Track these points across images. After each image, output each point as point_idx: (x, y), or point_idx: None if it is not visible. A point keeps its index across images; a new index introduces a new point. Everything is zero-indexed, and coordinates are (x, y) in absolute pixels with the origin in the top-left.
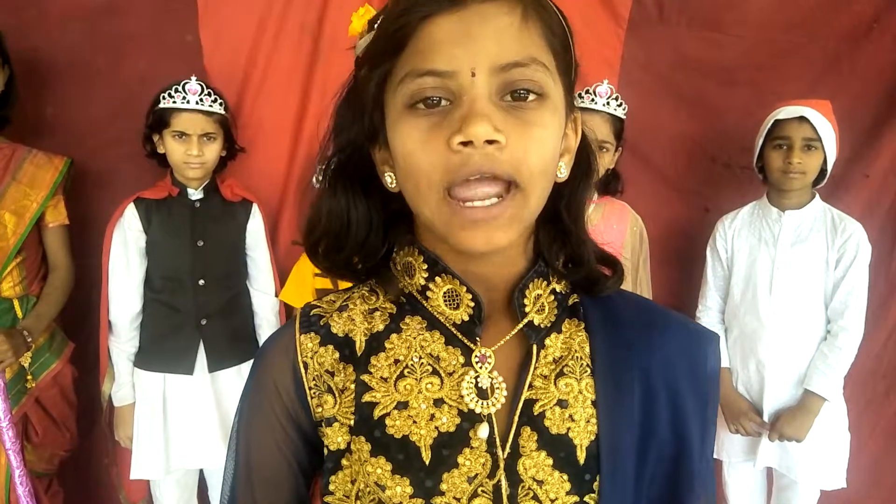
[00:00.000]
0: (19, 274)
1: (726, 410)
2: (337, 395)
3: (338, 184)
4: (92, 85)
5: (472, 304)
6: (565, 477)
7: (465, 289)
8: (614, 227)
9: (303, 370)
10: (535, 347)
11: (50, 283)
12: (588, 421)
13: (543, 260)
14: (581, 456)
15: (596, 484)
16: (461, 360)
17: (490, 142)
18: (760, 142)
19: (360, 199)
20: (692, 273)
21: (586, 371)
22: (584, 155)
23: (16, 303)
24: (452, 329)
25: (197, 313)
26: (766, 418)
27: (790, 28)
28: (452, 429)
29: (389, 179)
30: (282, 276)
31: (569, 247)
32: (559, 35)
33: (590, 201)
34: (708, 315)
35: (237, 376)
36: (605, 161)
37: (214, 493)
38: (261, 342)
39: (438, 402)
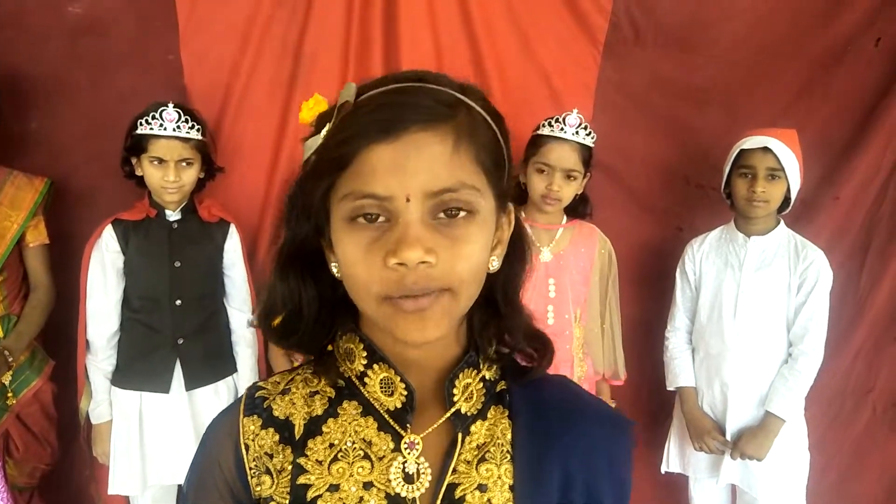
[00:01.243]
0: (0, 294)
1: (691, 428)
2: (275, 475)
3: (290, 270)
4: (73, 102)
5: (405, 393)
6: None
7: (399, 378)
8: (582, 250)
9: (244, 451)
10: (460, 435)
11: (30, 302)
12: None
13: (476, 348)
14: None
15: None
16: (391, 445)
17: (422, 262)
18: (727, 169)
19: (311, 285)
20: (665, 291)
21: (506, 457)
22: (519, 243)
23: None
24: (385, 416)
25: (174, 333)
26: (728, 437)
27: (763, 51)
28: None
29: (335, 269)
30: (259, 293)
31: (502, 330)
32: (490, 151)
33: (525, 284)
34: (676, 336)
35: (214, 394)
36: (574, 187)
37: None
38: (238, 359)
39: (368, 486)
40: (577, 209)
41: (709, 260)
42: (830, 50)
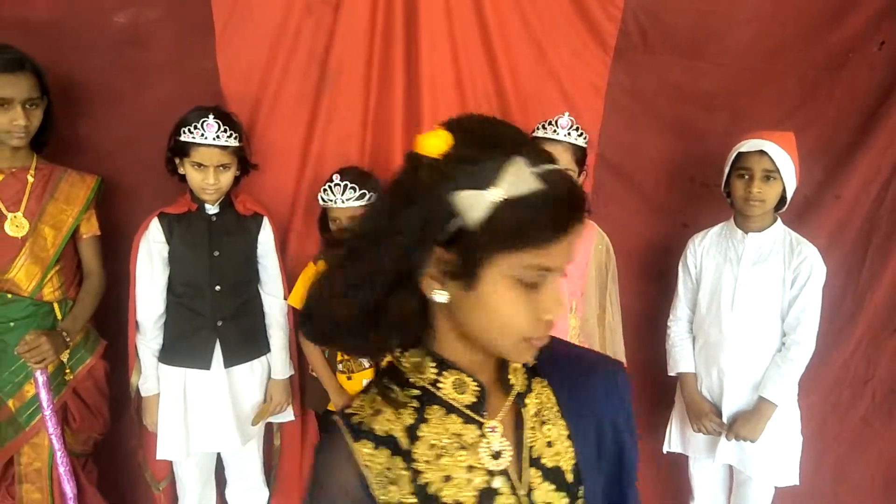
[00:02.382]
0: (58, 280)
1: (690, 411)
2: (397, 483)
3: (369, 287)
4: (118, 108)
5: (478, 389)
6: (563, 494)
7: (471, 379)
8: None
9: (366, 472)
10: (522, 410)
11: (84, 288)
12: (567, 451)
13: None
14: (569, 477)
15: (580, 492)
16: (476, 433)
17: None
18: (727, 170)
19: (380, 304)
20: (669, 284)
21: (557, 415)
22: None
23: (56, 306)
24: (465, 410)
25: (213, 316)
26: (724, 420)
27: (769, 57)
28: (484, 486)
29: (439, 296)
30: (290, 281)
31: None
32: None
33: None
34: (678, 325)
35: (249, 371)
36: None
37: (231, 473)
38: (271, 341)
39: (470, 469)
40: None
41: (709, 254)
42: (834, 54)
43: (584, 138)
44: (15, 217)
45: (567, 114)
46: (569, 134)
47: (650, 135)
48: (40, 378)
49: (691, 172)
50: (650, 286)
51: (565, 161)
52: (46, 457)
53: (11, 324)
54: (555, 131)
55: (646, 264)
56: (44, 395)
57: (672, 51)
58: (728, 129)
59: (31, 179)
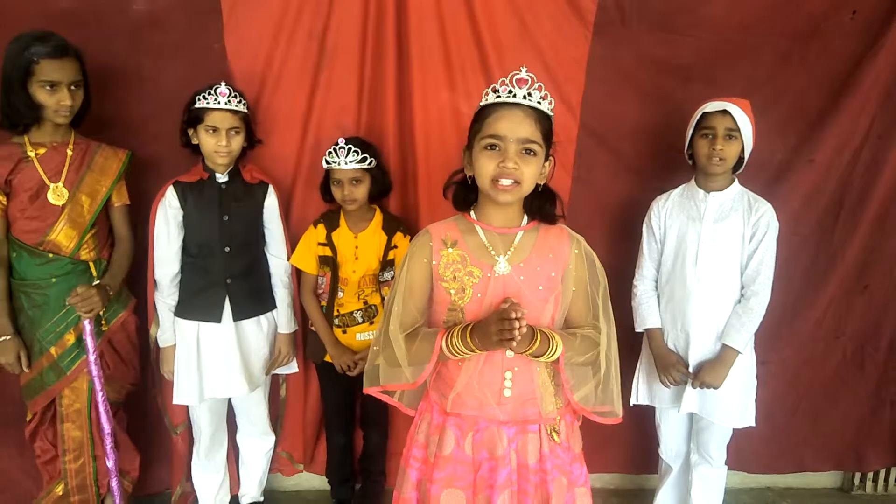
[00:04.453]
0: (93, 242)
1: (658, 363)
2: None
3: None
4: (140, 87)
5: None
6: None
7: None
8: (549, 256)
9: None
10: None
11: (117, 250)
12: None
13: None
14: None
15: None
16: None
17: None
18: (690, 132)
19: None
20: None
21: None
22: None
23: (91, 265)
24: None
25: (224, 274)
26: (690, 370)
27: (742, 28)
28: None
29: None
30: (293, 243)
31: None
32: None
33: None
34: (643, 283)
35: (256, 325)
36: (532, 170)
37: (241, 419)
38: (276, 298)
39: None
40: (543, 210)
41: (672, 215)
42: (807, 24)
43: (550, 104)
44: (56, 187)
45: (524, 69)
46: (529, 95)
47: (630, 105)
48: (87, 326)
49: (670, 140)
50: (632, 245)
51: (525, 131)
52: (86, 399)
53: (53, 279)
54: (510, 92)
55: (627, 225)
56: (90, 342)
57: (649, 25)
58: (704, 98)
59: (70, 153)
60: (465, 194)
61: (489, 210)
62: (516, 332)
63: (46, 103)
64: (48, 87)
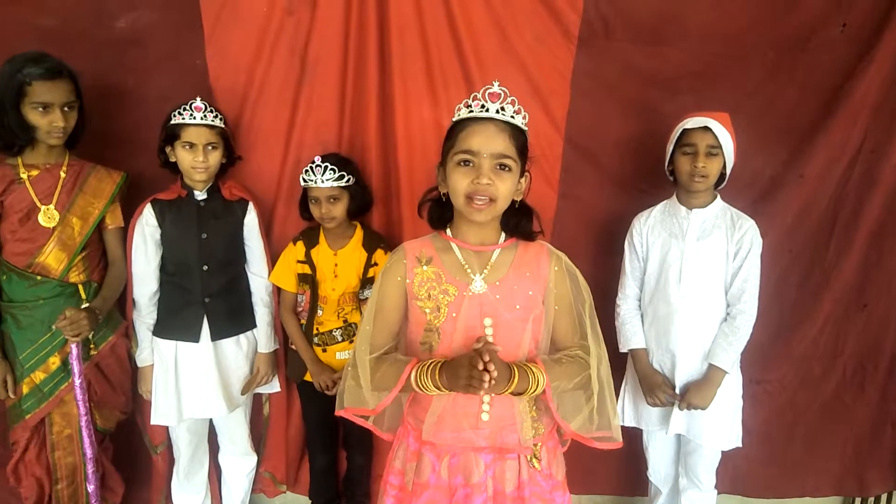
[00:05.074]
0: (83, 265)
1: (644, 384)
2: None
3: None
4: (123, 103)
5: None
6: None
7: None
8: (527, 274)
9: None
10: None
11: (110, 273)
12: None
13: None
14: None
15: None
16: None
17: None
18: (671, 148)
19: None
20: None
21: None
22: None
23: (80, 287)
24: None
25: (202, 293)
26: (677, 391)
27: (730, 40)
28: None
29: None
30: (275, 261)
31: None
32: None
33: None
34: (627, 303)
35: (236, 344)
36: (507, 186)
37: (223, 439)
38: (256, 317)
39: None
40: (521, 226)
41: (654, 232)
42: (796, 36)
43: (524, 119)
44: (48, 209)
45: (497, 83)
46: (502, 110)
47: (616, 118)
48: (74, 350)
49: (658, 154)
50: (617, 263)
51: (499, 146)
52: (76, 424)
53: (41, 301)
54: (483, 107)
55: (613, 241)
56: (76, 366)
57: (634, 38)
58: (692, 111)
59: (63, 175)
60: (441, 212)
61: (465, 228)
62: (485, 383)
63: (39, 125)
64: (40, 109)
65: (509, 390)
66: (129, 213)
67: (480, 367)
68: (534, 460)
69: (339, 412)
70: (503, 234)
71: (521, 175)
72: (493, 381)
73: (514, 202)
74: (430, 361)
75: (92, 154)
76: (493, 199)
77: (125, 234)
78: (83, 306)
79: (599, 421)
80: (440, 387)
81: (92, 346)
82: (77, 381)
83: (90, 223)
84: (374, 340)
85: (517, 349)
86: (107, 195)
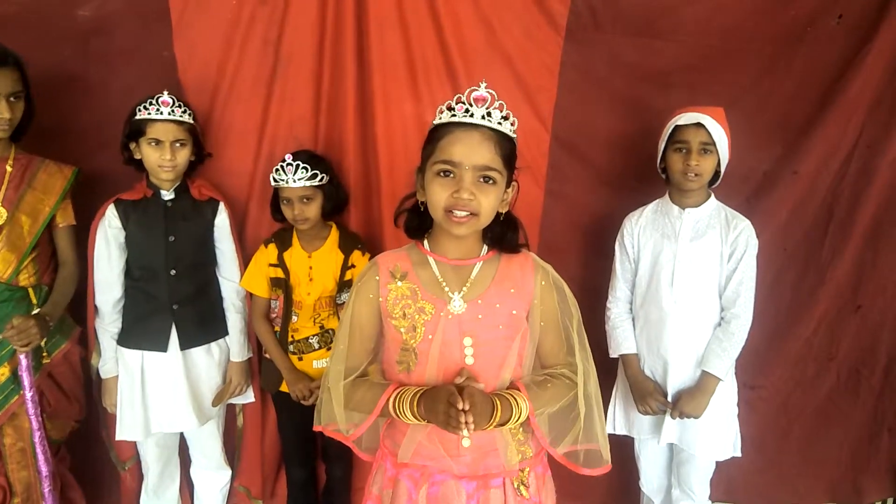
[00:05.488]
0: (33, 267)
1: (635, 392)
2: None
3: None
4: (86, 97)
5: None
6: None
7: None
8: (511, 290)
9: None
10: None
11: (60, 275)
12: None
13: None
14: None
15: None
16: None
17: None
18: (662, 145)
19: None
20: None
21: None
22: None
23: (30, 291)
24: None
25: (169, 299)
26: (669, 398)
27: (725, 33)
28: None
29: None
30: (248, 265)
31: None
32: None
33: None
34: (617, 306)
35: (206, 353)
36: (491, 200)
37: (194, 452)
38: (228, 324)
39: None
40: (505, 238)
41: (646, 232)
42: (792, 28)
43: (512, 126)
44: None
45: (483, 85)
46: (488, 115)
47: (605, 114)
48: (24, 361)
49: (649, 151)
50: (607, 265)
51: (483, 157)
52: (29, 437)
53: None
54: (467, 111)
55: (603, 242)
56: (26, 378)
57: (624, 29)
58: (685, 105)
59: (9, 169)
60: (419, 221)
61: (443, 240)
62: (463, 428)
63: None
64: None
65: (491, 426)
66: (86, 213)
67: (460, 406)
68: (521, 487)
69: (317, 427)
70: (485, 247)
71: (508, 186)
72: (472, 426)
73: (498, 213)
74: (408, 389)
75: (50, 150)
76: (474, 213)
77: (76, 232)
78: (33, 313)
79: (586, 440)
80: (418, 417)
81: (45, 354)
82: (28, 395)
83: (40, 221)
84: (350, 362)
85: (500, 370)
86: (57, 191)
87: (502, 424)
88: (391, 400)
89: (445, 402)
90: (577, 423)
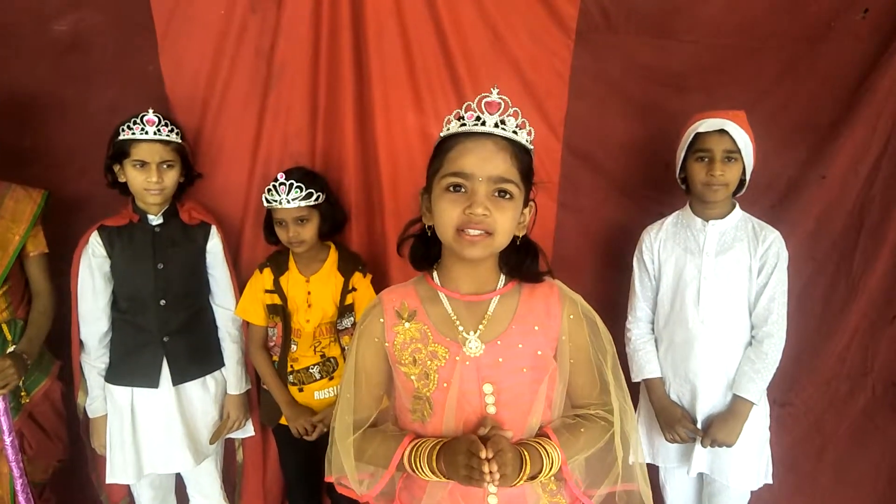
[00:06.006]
0: (5, 301)
1: (661, 419)
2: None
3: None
4: (64, 117)
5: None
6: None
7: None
8: (536, 328)
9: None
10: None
11: (35, 308)
12: None
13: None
14: None
15: None
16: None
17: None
18: (682, 154)
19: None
20: None
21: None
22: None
23: (4, 327)
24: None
25: (160, 331)
26: (699, 425)
27: (742, 32)
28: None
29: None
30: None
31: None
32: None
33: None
34: (638, 327)
35: (202, 388)
36: (508, 217)
37: (192, 490)
38: (224, 354)
39: None
40: (524, 266)
41: (666, 247)
42: (814, 24)
43: (529, 135)
44: None
45: (496, 91)
46: (502, 123)
47: (619, 120)
48: (1, 404)
49: (666, 157)
50: (625, 279)
51: (498, 168)
52: (8, 485)
53: None
54: (478, 119)
55: (619, 256)
56: (4, 422)
57: (637, 30)
58: (702, 109)
59: None
60: (425, 250)
61: (455, 270)
62: (487, 476)
63: None
64: None
65: (520, 481)
66: (62, 240)
67: (482, 455)
68: None
69: (328, 478)
70: (503, 277)
71: (525, 205)
72: (497, 476)
73: (514, 238)
74: (425, 442)
75: (25, 175)
76: (489, 231)
77: (50, 261)
78: (8, 351)
79: (626, 482)
80: (437, 473)
81: (23, 393)
82: (7, 440)
83: (10, 252)
84: (358, 414)
85: (526, 418)
86: (27, 218)
87: (533, 478)
88: (406, 454)
89: (465, 452)
90: (614, 467)
